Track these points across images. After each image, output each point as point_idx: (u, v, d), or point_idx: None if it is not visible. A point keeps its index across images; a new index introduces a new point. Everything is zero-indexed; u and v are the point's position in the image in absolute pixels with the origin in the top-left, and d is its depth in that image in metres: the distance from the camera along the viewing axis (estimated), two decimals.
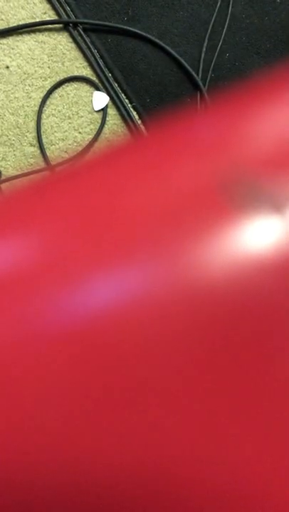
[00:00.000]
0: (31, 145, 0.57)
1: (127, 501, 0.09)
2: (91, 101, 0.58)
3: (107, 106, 0.58)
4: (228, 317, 0.09)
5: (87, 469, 0.09)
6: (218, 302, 0.09)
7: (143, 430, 0.09)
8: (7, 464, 0.09)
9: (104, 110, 0.58)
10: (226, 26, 0.61)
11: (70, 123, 0.58)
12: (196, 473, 0.09)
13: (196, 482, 0.09)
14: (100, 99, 0.58)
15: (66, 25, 0.59)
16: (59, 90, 0.58)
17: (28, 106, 0.57)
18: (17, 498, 0.09)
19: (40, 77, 0.58)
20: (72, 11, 0.60)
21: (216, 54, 0.60)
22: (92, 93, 0.58)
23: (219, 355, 0.09)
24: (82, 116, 0.58)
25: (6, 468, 0.09)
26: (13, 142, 0.56)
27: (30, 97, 0.57)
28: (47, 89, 0.58)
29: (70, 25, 0.59)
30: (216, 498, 0.09)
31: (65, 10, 0.60)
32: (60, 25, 0.59)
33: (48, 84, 0.58)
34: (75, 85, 0.59)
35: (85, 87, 0.59)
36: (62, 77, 0.58)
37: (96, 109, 0.58)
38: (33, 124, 0.57)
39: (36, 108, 0.57)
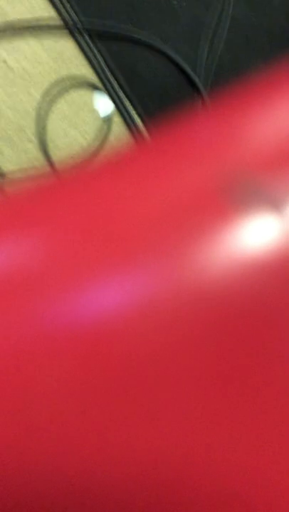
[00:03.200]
0: (31, 144, 0.57)
1: (130, 504, 0.09)
2: (95, 106, 0.58)
3: (111, 112, 0.58)
4: (229, 317, 0.09)
5: (91, 470, 0.09)
6: (220, 303, 0.09)
7: (147, 432, 0.09)
8: (7, 463, 0.09)
9: (109, 116, 0.58)
10: (226, 29, 0.61)
11: (75, 129, 0.58)
12: (200, 477, 0.09)
13: (200, 486, 0.09)
14: (104, 104, 0.58)
15: (70, 30, 0.60)
16: (64, 96, 0.58)
17: (29, 106, 0.58)
18: (17, 498, 0.09)
19: (44, 81, 0.58)
20: (76, 15, 0.60)
21: (217, 57, 0.60)
22: (95, 98, 0.59)
23: (222, 355, 0.09)
24: (87, 123, 0.58)
25: (6, 466, 0.09)
26: (14, 142, 0.57)
27: (31, 97, 0.58)
28: (49, 92, 0.58)
29: (73, 29, 0.59)
30: (220, 502, 0.09)
31: (68, 12, 0.60)
32: (63, 28, 0.60)
33: (52, 89, 0.58)
34: (79, 90, 0.59)
35: (88, 92, 0.59)
36: (67, 83, 0.58)
37: (101, 115, 0.58)
38: (35, 126, 0.57)
39: (38, 110, 0.57)
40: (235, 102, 0.12)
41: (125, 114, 0.59)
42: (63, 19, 0.60)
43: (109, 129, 0.58)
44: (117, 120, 0.59)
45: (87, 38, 0.60)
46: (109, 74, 0.60)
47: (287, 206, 0.10)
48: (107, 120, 0.58)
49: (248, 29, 0.63)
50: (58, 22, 0.60)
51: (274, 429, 0.09)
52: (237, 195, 0.10)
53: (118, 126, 0.59)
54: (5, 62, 0.58)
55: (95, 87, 0.59)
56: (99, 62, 0.60)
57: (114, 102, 0.59)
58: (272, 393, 0.09)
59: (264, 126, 0.11)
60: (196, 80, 0.59)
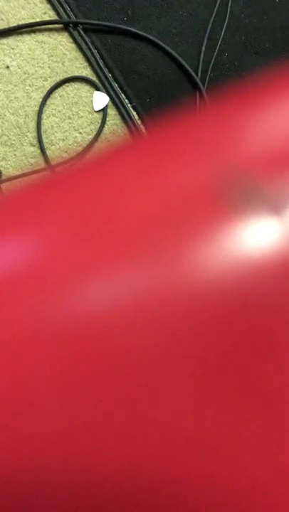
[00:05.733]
0: (31, 145, 0.57)
1: (126, 501, 0.09)
2: (91, 101, 0.58)
3: (107, 106, 0.58)
4: (226, 318, 0.09)
5: (87, 469, 0.09)
6: (217, 304, 0.09)
7: (142, 430, 0.09)
8: (5, 464, 0.09)
9: (104, 110, 0.58)
10: (225, 26, 0.61)
11: (70, 123, 0.58)
12: (196, 474, 0.09)
13: (195, 483, 0.09)
14: (100, 99, 0.58)
15: (66, 26, 0.59)
16: (59, 90, 0.58)
17: (28, 106, 0.57)
18: (16, 497, 0.09)
19: (41, 77, 0.58)
20: (72, 11, 0.60)
21: (215, 54, 0.60)
22: (92, 93, 0.58)
23: (217, 355, 0.09)
24: (82, 117, 0.58)
25: (5, 467, 0.09)
26: (13, 142, 0.56)
27: (30, 97, 0.58)
28: (47, 89, 0.58)
29: (70, 25, 0.59)
30: (215, 499, 0.09)
31: (65, 10, 0.60)
32: (60, 26, 0.59)
33: (48, 85, 0.58)
34: (75, 85, 0.59)
35: (85, 87, 0.59)
36: (62, 77, 0.58)
37: (96, 109, 0.58)
38: (33, 124, 0.57)
39: (36, 108, 0.57)
40: (235, 102, 0.12)
41: (121, 107, 0.59)
42: (59, 15, 0.59)
43: (103, 122, 0.58)
44: (113, 113, 0.59)
45: (82, 32, 0.59)
46: (104, 67, 0.59)
47: (287, 209, 0.10)
48: (102, 114, 0.58)
49: (247, 27, 0.62)
50: (55, 18, 0.60)
51: (273, 428, 0.09)
52: (235, 196, 0.10)
53: (114, 119, 0.59)
54: (7, 67, 0.58)
55: (90, 82, 0.59)
56: (94, 57, 0.59)
57: (110, 95, 0.58)
58: (271, 392, 0.09)
59: (264, 127, 0.11)
60: (194, 74, 0.59)
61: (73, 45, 0.59)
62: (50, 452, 0.09)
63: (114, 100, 0.58)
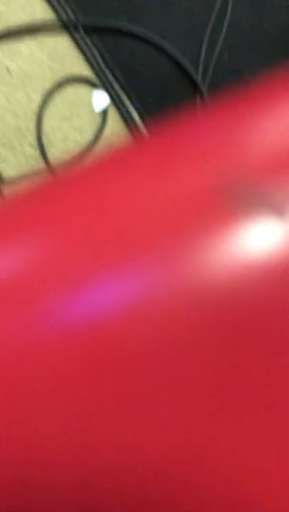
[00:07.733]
0: (32, 146, 0.57)
1: (124, 501, 0.09)
2: (92, 102, 0.58)
3: (107, 107, 0.58)
4: (229, 320, 0.09)
5: (88, 470, 0.09)
6: (219, 306, 0.09)
7: (145, 431, 0.09)
8: (8, 464, 0.09)
9: (104, 111, 0.58)
10: (225, 26, 0.61)
11: (70, 124, 0.58)
12: (196, 476, 0.09)
13: (196, 484, 0.09)
14: (101, 99, 0.58)
15: (66, 26, 0.59)
16: (59, 91, 0.58)
17: (28, 107, 0.57)
18: (15, 498, 0.09)
19: (41, 78, 0.58)
20: (72, 11, 0.60)
21: (216, 55, 0.60)
22: (92, 94, 0.58)
23: (221, 357, 0.09)
24: (82, 117, 0.58)
25: (6, 468, 0.09)
26: (13, 144, 0.56)
27: (30, 98, 0.58)
28: (47, 90, 0.58)
29: (70, 25, 0.59)
30: (214, 501, 0.09)
31: (65, 10, 0.60)
32: (60, 26, 0.59)
33: (49, 85, 0.58)
34: (76, 86, 0.59)
35: (85, 88, 0.59)
36: (62, 78, 0.58)
37: (97, 109, 0.58)
38: (33, 125, 0.57)
39: (36, 109, 0.57)
40: (237, 105, 0.12)
41: (122, 108, 0.59)
42: (59, 15, 0.59)
43: (104, 123, 0.58)
44: (113, 114, 0.59)
45: (82, 32, 0.59)
46: (104, 67, 0.59)
47: (288, 210, 0.10)
48: (103, 114, 0.58)
49: (247, 28, 0.62)
50: (55, 18, 0.60)
51: (273, 429, 0.09)
52: (237, 197, 0.10)
53: (114, 120, 0.59)
54: (7, 68, 0.58)
55: (90, 82, 0.59)
56: (95, 57, 0.59)
57: (110, 96, 0.58)
58: (270, 394, 0.09)
59: (265, 129, 0.11)
60: (194, 75, 0.59)
61: (73, 46, 0.59)
62: (48, 451, 0.09)
63: (115, 101, 0.58)
